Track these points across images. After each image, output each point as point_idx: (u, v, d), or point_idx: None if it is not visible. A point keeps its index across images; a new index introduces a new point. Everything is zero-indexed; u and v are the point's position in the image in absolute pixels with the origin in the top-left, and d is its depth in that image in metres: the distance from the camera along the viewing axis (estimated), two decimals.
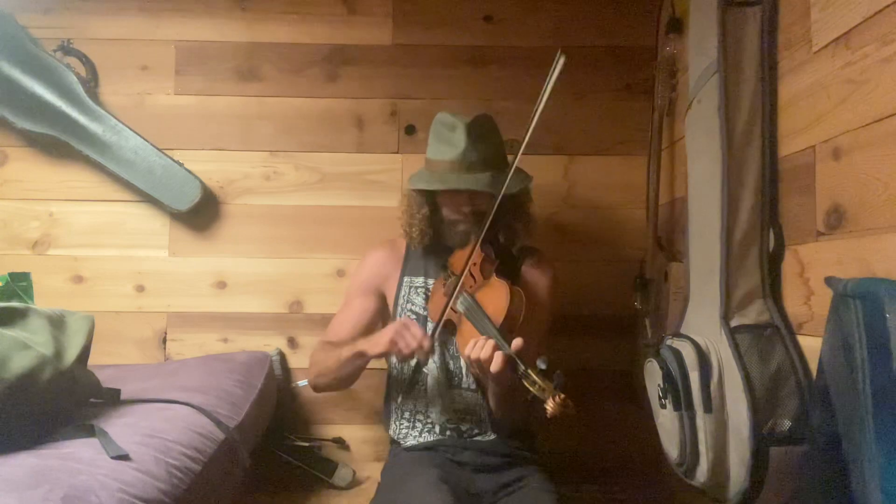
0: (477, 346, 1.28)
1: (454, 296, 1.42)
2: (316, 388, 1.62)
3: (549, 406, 1.14)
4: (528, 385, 1.20)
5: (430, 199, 1.55)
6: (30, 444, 1.08)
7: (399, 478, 1.44)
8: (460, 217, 1.52)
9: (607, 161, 2.01)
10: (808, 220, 1.18)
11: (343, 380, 1.58)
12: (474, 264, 1.45)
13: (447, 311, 1.43)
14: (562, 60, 1.30)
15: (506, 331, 1.31)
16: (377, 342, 1.42)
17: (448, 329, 1.48)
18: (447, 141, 1.50)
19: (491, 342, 1.27)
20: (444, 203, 1.54)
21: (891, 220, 0.97)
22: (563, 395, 1.14)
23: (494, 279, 1.43)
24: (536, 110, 1.34)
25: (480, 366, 1.28)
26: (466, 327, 1.40)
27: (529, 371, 1.20)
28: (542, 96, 1.33)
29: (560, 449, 1.80)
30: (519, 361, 1.23)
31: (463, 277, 1.42)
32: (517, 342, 1.26)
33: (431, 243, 1.60)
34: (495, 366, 1.25)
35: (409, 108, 2.01)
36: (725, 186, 1.29)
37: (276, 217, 2.00)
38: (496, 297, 1.38)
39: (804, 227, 1.19)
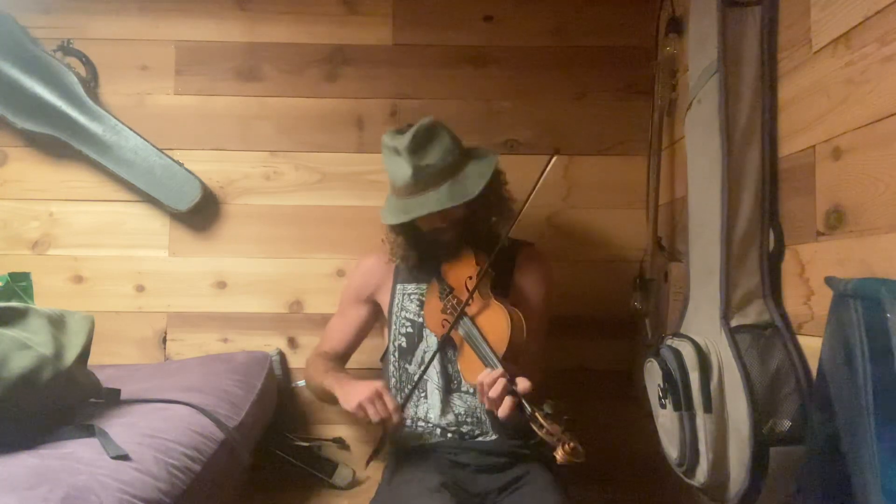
0: (486, 383, 1.26)
1: (455, 321, 1.40)
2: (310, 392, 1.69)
3: (559, 454, 1.13)
4: (535, 428, 1.19)
5: (405, 224, 1.53)
6: (30, 444, 1.08)
7: (399, 481, 1.44)
8: (440, 230, 1.51)
9: (607, 161, 2.01)
10: (808, 220, 1.18)
11: (328, 402, 1.65)
12: (469, 278, 1.44)
13: (451, 328, 1.41)
14: (553, 160, 1.39)
15: (508, 361, 1.30)
16: (347, 399, 1.40)
17: (450, 345, 1.48)
18: (396, 165, 1.47)
19: (502, 382, 1.24)
20: (419, 224, 1.53)
21: (891, 220, 0.97)
22: (572, 444, 1.13)
23: (493, 302, 1.41)
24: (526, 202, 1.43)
25: (487, 398, 1.27)
26: (468, 352, 1.39)
27: (536, 414, 1.19)
28: (532, 192, 1.41)
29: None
30: (525, 403, 1.21)
31: (462, 297, 1.41)
32: (524, 384, 1.24)
33: (419, 258, 1.59)
34: (503, 411, 1.24)
35: (409, 108, 2.01)
36: (725, 186, 1.29)
37: (276, 217, 2.00)
38: (497, 326, 1.36)
39: (804, 227, 1.19)
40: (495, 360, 1.31)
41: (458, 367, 1.46)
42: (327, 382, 1.51)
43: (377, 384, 1.39)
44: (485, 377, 1.27)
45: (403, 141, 1.45)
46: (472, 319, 1.40)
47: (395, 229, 1.56)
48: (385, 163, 1.54)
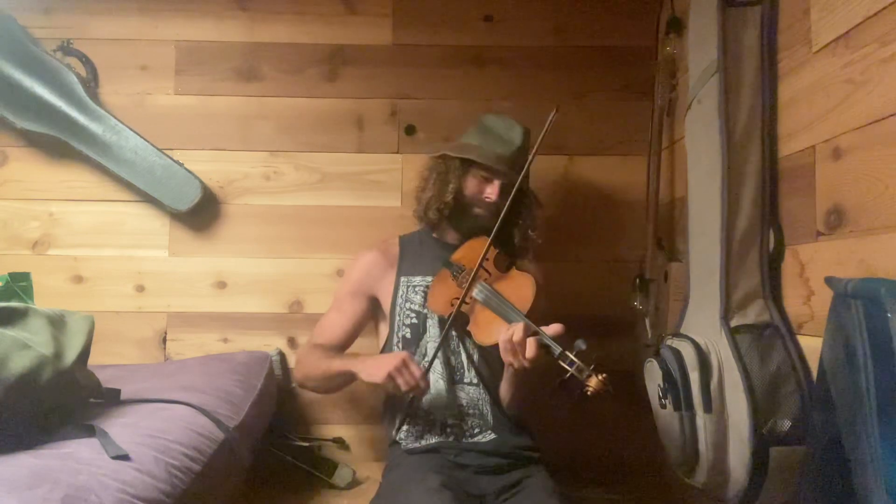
0: (510, 330, 1.31)
1: (471, 284, 1.44)
2: (301, 387, 1.70)
3: (592, 384, 1.20)
4: (565, 365, 1.24)
5: (463, 177, 1.58)
6: (30, 444, 1.08)
7: (400, 483, 1.44)
8: (482, 201, 1.57)
9: (607, 161, 2.01)
10: (808, 220, 1.18)
11: (328, 389, 1.65)
12: (487, 259, 1.47)
13: (462, 300, 1.45)
14: (554, 116, 1.45)
15: (532, 318, 1.35)
16: (373, 373, 1.41)
17: (457, 321, 1.48)
18: (500, 137, 1.58)
19: (521, 325, 1.31)
20: (474, 185, 1.57)
21: (891, 220, 0.97)
22: (604, 374, 1.21)
23: (515, 272, 1.48)
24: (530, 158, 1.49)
25: (514, 350, 1.31)
26: (484, 316, 1.43)
27: (567, 352, 1.25)
28: (536, 146, 1.46)
29: (560, 449, 1.80)
30: (557, 344, 1.27)
31: (477, 270, 1.45)
32: (556, 327, 1.31)
33: (436, 230, 1.65)
34: (530, 353, 1.29)
35: (409, 108, 2.01)
36: (725, 186, 1.29)
37: (276, 217, 2.00)
38: (521, 287, 1.42)
39: (804, 227, 1.20)
40: (521, 315, 1.36)
41: (472, 333, 1.48)
42: (336, 364, 1.51)
43: (401, 353, 1.41)
44: (508, 330, 1.32)
45: (520, 126, 1.60)
46: (492, 286, 1.45)
47: (454, 175, 1.58)
48: (478, 131, 1.63)
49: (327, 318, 1.68)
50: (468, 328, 1.48)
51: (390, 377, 1.37)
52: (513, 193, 1.46)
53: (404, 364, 1.38)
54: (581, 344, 1.24)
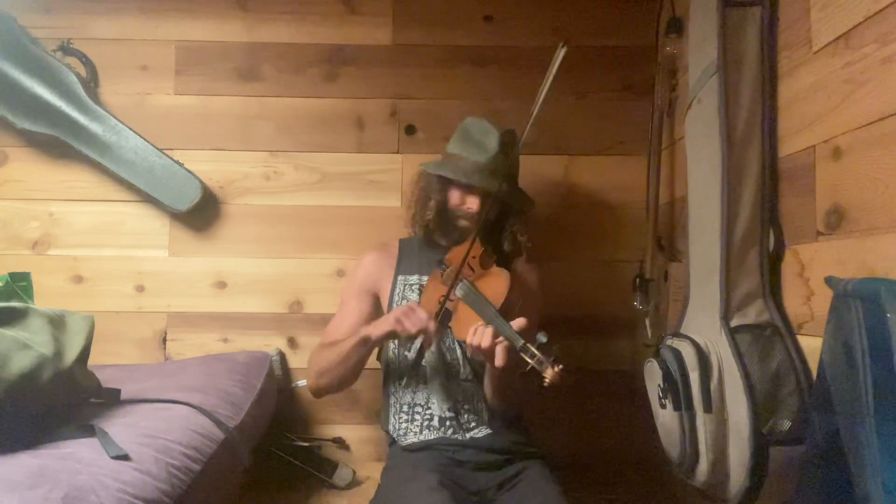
0: (478, 334, 1.33)
1: (454, 282, 1.46)
2: (317, 390, 1.60)
3: (547, 375, 1.21)
4: (526, 358, 1.26)
5: (445, 190, 1.59)
6: (30, 444, 1.08)
7: (399, 481, 1.45)
8: (465, 213, 1.57)
9: (607, 161, 2.01)
10: (808, 220, 1.18)
11: (346, 375, 1.57)
12: (473, 257, 1.49)
13: (447, 297, 1.46)
14: (563, 52, 1.41)
15: (505, 313, 1.36)
16: (381, 324, 1.46)
17: (445, 318, 1.50)
18: (478, 144, 1.57)
19: (490, 329, 1.32)
20: (456, 197, 1.58)
21: (891, 220, 0.97)
22: (560, 366, 1.22)
23: (494, 268, 1.49)
24: (538, 100, 1.46)
25: (479, 349, 1.33)
26: (464, 312, 1.45)
27: (528, 345, 1.27)
28: (544, 87, 1.46)
29: (560, 449, 1.80)
30: (520, 337, 1.29)
31: (462, 268, 1.46)
32: (520, 321, 1.32)
33: (427, 238, 1.65)
34: (499, 358, 1.30)
35: (409, 108, 2.01)
36: (725, 186, 1.29)
37: (276, 217, 2.00)
38: (496, 283, 1.44)
39: (804, 227, 1.19)
40: (493, 311, 1.37)
41: (452, 328, 1.49)
42: (347, 342, 1.51)
43: (409, 303, 1.48)
44: (474, 333, 1.35)
45: (498, 128, 1.58)
46: (472, 283, 1.47)
47: (434, 189, 1.60)
48: (458, 138, 1.62)
49: (335, 319, 1.69)
50: (449, 324, 1.50)
51: (398, 321, 1.41)
52: (482, 199, 1.51)
53: (411, 309, 1.42)
54: (542, 337, 1.26)
